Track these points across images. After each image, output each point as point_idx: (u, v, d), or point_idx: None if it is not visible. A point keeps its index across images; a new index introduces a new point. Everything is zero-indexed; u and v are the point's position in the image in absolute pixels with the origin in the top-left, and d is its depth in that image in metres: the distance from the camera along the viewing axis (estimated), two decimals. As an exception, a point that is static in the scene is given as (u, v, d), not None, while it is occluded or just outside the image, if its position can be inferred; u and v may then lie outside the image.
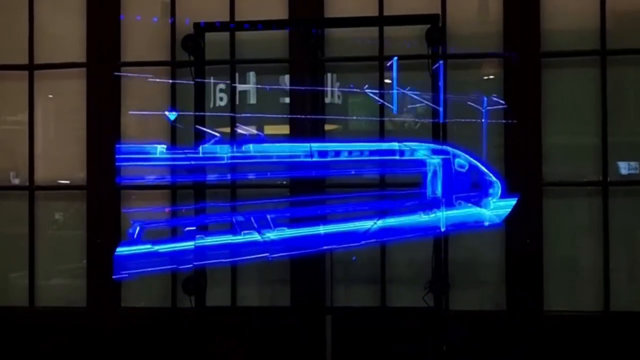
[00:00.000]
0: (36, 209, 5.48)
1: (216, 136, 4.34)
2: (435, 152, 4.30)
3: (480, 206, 4.35)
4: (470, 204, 4.34)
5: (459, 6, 5.16)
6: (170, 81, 5.21)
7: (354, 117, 5.28)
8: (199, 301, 4.50)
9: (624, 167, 5.19)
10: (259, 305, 5.29)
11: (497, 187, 4.38)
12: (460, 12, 5.16)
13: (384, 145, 4.36)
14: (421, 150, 4.28)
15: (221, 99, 5.31)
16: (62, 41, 5.52)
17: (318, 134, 4.82)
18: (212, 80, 5.13)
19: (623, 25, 5.17)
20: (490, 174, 4.39)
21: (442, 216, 4.23)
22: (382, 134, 5.06)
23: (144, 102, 5.33)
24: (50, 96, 5.56)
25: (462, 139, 4.71)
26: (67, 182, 5.51)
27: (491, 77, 5.20)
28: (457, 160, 4.30)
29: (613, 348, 5.00)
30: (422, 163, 4.31)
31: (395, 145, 4.31)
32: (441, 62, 4.44)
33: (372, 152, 4.34)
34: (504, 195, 4.40)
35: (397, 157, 4.29)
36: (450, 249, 5.04)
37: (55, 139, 5.60)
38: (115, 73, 5.16)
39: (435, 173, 4.27)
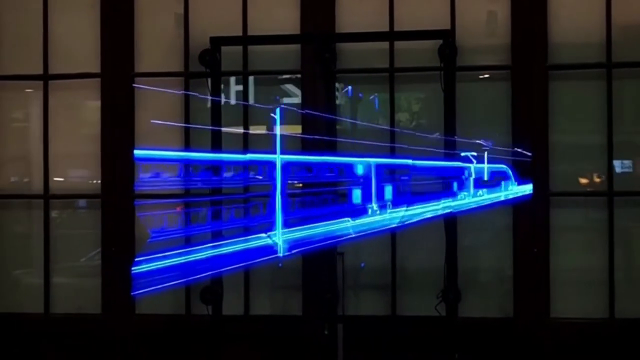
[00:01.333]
0: (51, 217, 5.57)
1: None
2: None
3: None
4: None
5: (468, 19, 5.27)
6: (184, 91, 5.32)
7: (362, 126, 5.40)
8: (215, 310, 4.59)
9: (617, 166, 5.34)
10: (272, 314, 5.38)
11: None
12: (469, 25, 5.25)
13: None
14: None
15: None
16: (77, 52, 5.60)
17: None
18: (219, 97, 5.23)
19: (629, 38, 5.29)
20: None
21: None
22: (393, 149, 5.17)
23: (158, 112, 5.42)
24: (65, 106, 5.65)
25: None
26: (82, 191, 5.63)
27: (499, 89, 5.31)
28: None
29: (618, 354, 5.13)
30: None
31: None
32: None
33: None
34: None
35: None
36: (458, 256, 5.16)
37: (71, 147, 5.67)
38: (134, 85, 5.21)
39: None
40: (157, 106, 5.44)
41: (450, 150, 4.64)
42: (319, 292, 5.00)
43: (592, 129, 5.27)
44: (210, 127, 4.55)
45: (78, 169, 5.66)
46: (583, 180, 5.38)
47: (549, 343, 5.13)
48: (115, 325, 5.42)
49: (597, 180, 5.32)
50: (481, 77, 5.35)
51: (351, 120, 5.45)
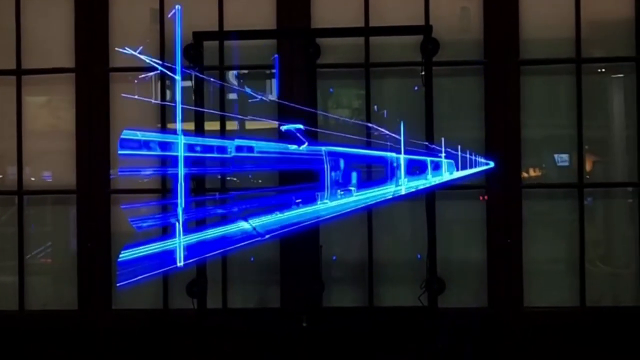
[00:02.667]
0: (25, 212, 5.53)
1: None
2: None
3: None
4: None
5: (442, 16, 5.36)
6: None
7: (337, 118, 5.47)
8: (201, 303, 4.61)
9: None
10: (251, 307, 5.42)
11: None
12: (443, 22, 5.34)
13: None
14: None
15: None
16: (50, 46, 5.56)
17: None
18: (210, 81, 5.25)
19: (597, 34, 5.45)
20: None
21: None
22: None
23: (133, 107, 5.43)
24: (38, 100, 5.61)
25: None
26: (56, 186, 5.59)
27: (474, 83, 5.42)
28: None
29: (589, 340, 5.29)
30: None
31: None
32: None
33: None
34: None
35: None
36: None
37: (45, 142, 5.62)
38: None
39: None
40: (131, 100, 5.44)
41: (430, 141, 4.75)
42: (298, 283, 5.07)
43: (562, 122, 5.43)
44: (194, 107, 4.57)
45: (52, 164, 5.61)
46: (552, 173, 5.54)
47: (522, 331, 5.27)
48: (92, 321, 5.41)
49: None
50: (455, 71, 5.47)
51: (324, 113, 5.51)
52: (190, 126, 5.08)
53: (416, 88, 5.13)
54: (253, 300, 5.48)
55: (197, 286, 4.56)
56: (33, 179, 5.59)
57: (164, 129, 5.28)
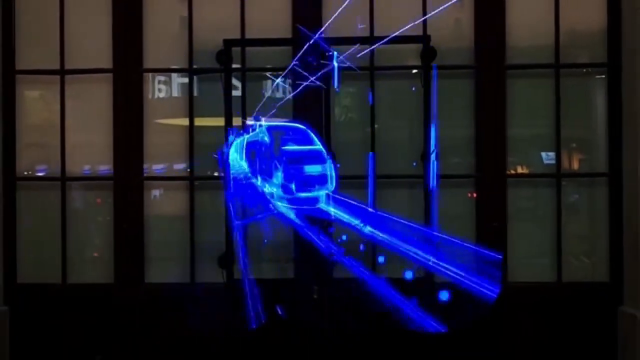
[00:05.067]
0: (67, 197, 6.22)
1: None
2: None
3: None
4: None
5: (438, 25, 6.03)
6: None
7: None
8: (229, 273, 5.34)
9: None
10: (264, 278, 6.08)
11: None
12: (438, 30, 6.04)
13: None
14: None
15: (160, 90, 6.21)
16: (90, 49, 6.24)
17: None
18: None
19: (575, 42, 6.18)
20: None
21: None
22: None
23: (165, 104, 6.15)
24: (80, 97, 6.29)
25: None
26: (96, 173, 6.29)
27: (466, 85, 6.13)
28: None
29: (565, 311, 6.02)
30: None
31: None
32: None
33: None
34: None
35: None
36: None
37: (86, 135, 6.31)
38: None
39: None
40: (164, 98, 6.16)
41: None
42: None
43: (543, 122, 6.15)
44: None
45: (92, 154, 6.29)
46: (532, 164, 6.26)
47: (506, 303, 5.98)
48: (126, 292, 6.10)
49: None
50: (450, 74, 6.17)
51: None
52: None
53: (413, 89, 5.85)
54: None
55: (226, 259, 5.29)
56: (75, 167, 6.28)
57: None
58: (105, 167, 6.22)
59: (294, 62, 5.32)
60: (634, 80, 5.78)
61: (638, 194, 5.70)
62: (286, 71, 5.54)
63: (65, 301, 6.13)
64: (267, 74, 6.06)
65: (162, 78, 6.22)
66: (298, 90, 5.44)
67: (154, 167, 6.20)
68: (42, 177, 6.29)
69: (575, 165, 6.23)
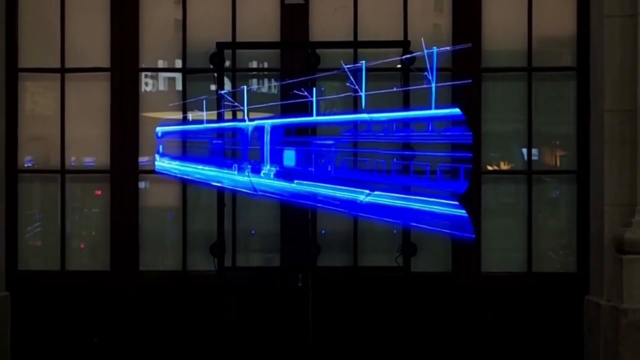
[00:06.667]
0: (66, 188, 6.57)
1: None
2: None
3: None
4: None
5: (417, 29, 6.40)
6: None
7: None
8: (220, 262, 5.69)
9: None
10: (256, 266, 6.52)
11: None
12: (417, 34, 6.39)
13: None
14: None
15: (147, 84, 6.59)
16: (89, 49, 6.60)
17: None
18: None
19: (545, 47, 6.57)
20: None
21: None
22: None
23: (159, 101, 6.52)
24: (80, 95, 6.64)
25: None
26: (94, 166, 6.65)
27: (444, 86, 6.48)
28: None
29: (534, 299, 6.42)
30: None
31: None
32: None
33: None
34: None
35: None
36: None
37: (84, 130, 6.65)
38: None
39: None
40: (158, 95, 6.52)
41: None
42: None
43: (516, 120, 6.54)
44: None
45: (90, 148, 6.64)
46: (507, 161, 6.65)
47: (480, 292, 6.39)
48: (121, 280, 6.45)
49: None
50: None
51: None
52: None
53: (394, 88, 6.21)
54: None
55: (218, 247, 5.65)
56: (73, 160, 6.63)
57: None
58: (102, 160, 6.56)
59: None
60: (601, 84, 6.12)
61: (603, 191, 6.07)
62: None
63: (64, 287, 6.48)
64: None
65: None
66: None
67: (148, 159, 6.54)
68: (42, 169, 6.64)
69: (553, 162, 6.63)
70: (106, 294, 6.45)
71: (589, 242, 6.33)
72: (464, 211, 3.70)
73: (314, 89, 4.84)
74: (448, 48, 5.24)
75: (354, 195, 4.22)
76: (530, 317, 6.40)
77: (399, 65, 5.68)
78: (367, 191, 4.15)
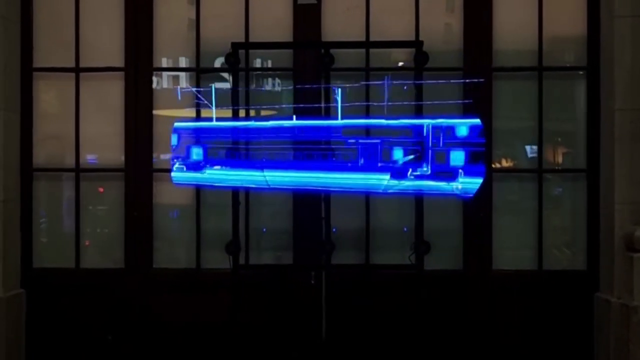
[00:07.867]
0: (81, 187, 6.63)
1: None
2: None
3: None
4: None
5: (430, 29, 6.48)
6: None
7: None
8: (235, 260, 5.74)
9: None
10: (267, 264, 6.57)
11: None
12: (430, 34, 6.47)
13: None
14: None
15: (158, 82, 6.64)
16: (104, 49, 6.66)
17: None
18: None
19: (556, 47, 6.62)
20: None
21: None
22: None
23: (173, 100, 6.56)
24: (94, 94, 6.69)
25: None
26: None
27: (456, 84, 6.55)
28: None
29: (544, 297, 6.47)
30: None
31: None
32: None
33: None
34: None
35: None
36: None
37: (99, 129, 6.71)
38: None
39: None
40: (172, 95, 6.57)
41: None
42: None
43: (527, 119, 6.60)
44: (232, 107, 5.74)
45: (105, 147, 6.69)
46: (517, 159, 6.70)
47: (491, 289, 6.44)
48: (136, 277, 6.51)
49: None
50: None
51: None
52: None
53: (405, 88, 6.26)
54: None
55: (233, 246, 5.70)
56: (89, 159, 6.69)
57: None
58: (116, 158, 6.62)
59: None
60: (611, 83, 6.18)
61: (613, 190, 6.13)
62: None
63: (78, 285, 6.53)
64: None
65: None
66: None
67: (162, 156, 6.60)
68: (57, 168, 6.69)
69: (560, 160, 6.68)
70: (120, 292, 6.51)
71: (599, 240, 6.38)
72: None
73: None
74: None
75: None
76: (541, 313, 6.44)
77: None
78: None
